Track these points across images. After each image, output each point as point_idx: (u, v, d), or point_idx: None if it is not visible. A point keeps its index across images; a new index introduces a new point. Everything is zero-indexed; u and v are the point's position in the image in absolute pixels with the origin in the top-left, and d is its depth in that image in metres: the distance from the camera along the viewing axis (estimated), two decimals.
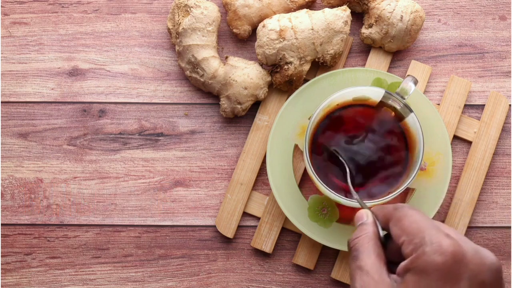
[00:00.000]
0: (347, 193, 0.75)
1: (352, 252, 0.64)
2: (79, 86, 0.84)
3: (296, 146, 0.81)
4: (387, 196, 0.72)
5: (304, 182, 0.82)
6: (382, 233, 0.65)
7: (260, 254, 0.82)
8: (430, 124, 0.79)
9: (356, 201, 0.71)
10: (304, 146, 0.74)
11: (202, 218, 0.83)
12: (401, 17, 0.79)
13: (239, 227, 0.82)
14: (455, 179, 0.82)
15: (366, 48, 0.84)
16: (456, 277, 0.59)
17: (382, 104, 0.76)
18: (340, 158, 0.75)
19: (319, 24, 0.79)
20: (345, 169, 0.75)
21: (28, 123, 0.83)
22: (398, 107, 0.75)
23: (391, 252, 0.64)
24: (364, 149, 0.76)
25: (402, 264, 0.61)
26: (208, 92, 0.83)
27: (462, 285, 0.59)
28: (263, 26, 0.79)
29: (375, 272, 0.62)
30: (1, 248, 0.82)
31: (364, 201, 0.72)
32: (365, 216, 0.66)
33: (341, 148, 0.76)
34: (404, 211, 0.63)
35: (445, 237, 0.60)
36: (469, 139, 0.82)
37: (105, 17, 0.84)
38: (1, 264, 0.82)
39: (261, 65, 0.81)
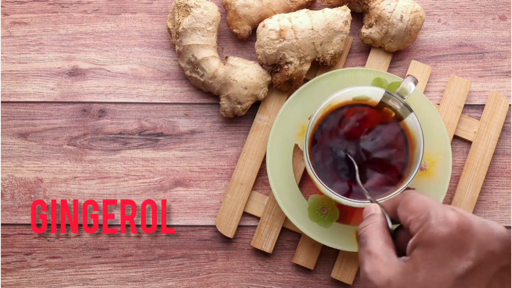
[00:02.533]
0: (349, 193, 0.75)
1: (360, 239, 0.64)
2: (79, 86, 0.84)
3: (296, 146, 0.81)
4: (387, 196, 0.72)
5: (304, 182, 0.82)
6: (391, 225, 0.65)
7: (260, 254, 0.82)
8: (430, 124, 0.79)
9: (360, 202, 0.71)
10: (304, 146, 0.74)
11: (202, 218, 0.83)
12: (401, 17, 0.79)
13: (239, 227, 0.82)
14: (455, 179, 0.82)
15: (366, 48, 0.84)
16: (463, 247, 0.58)
17: (382, 104, 0.76)
18: (348, 155, 0.75)
19: (319, 24, 0.79)
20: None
21: (28, 123, 0.83)
22: (398, 107, 0.75)
23: (401, 243, 0.64)
24: (364, 149, 0.76)
25: (410, 241, 0.61)
26: (208, 92, 0.83)
27: (470, 255, 0.58)
28: (263, 26, 0.79)
29: (384, 254, 0.62)
30: (1, 248, 0.82)
31: (363, 201, 0.72)
32: (373, 209, 0.66)
33: (340, 148, 0.76)
34: (410, 194, 0.63)
35: (451, 210, 0.59)
36: (469, 139, 0.82)
37: (105, 17, 0.84)
38: (1, 264, 0.82)
39: (261, 65, 0.81)
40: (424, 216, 0.60)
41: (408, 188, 0.80)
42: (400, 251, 0.64)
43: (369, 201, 0.72)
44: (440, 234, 0.58)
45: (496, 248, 0.58)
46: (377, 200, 0.71)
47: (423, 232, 0.59)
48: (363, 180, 0.76)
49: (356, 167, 0.74)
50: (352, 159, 0.75)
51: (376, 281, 0.61)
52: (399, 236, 0.64)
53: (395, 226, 0.65)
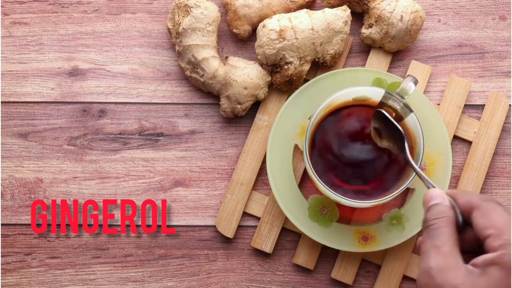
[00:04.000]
0: (349, 193, 0.75)
1: (430, 230, 0.63)
2: (79, 86, 0.84)
3: (296, 146, 0.81)
4: (387, 196, 0.72)
5: (304, 182, 0.82)
6: (461, 220, 0.64)
7: (260, 254, 0.82)
8: (430, 124, 0.79)
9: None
10: (304, 146, 0.74)
11: (202, 218, 0.83)
12: (401, 17, 0.79)
13: (239, 227, 0.82)
14: (455, 179, 0.82)
15: (366, 48, 0.84)
16: None
17: (382, 104, 0.76)
18: (397, 125, 0.73)
19: (319, 24, 0.79)
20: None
21: (28, 123, 0.83)
22: (398, 107, 0.75)
23: (466, 241, 0.63)
24: (364, 149, 0.76)
25: (487, 256, 0.60)
26: (208, 92, 0.83)
27: None
28: (263, 26, 0.79)
29: (453, 257, 0.61)
30: (1, 248, 0.82)
31: (364, 201, 0.72)
32: (440, 197, 0.65)
33: (340, 148, 0.76)
34: (493, 204, 0.62)
35: None
36: (469, 139, 0.82)
37: (105, 17, 0.84)
38: (1, 264, 0.82)
39: (261, 65, 0.81)
40: (508, 237, 0.59)
41: (408, 188, 0.80)
42: (461, 249, 0.63)
43: (369, 202, 0.72)
44: None
45: None
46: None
47: (506, 254, 0.59)
48: (363, 180, 0.76)
49: (406, 144, 0.72)
50: (398, 126, 0.72)
51: (440, 281, 0.60)
52: (467, 234, 0.63)
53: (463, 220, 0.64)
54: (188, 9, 0.79)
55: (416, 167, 0.70)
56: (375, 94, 0.75)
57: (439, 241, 0.62)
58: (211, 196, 0.83)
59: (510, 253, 0.59)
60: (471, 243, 0.62)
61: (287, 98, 0.82)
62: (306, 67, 0.80)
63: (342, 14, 0.79)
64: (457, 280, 0.59)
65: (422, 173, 0.69)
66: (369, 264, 0.82)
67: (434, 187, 0.67)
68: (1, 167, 0.83)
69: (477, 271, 0.60)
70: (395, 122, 0.73)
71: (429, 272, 0.61)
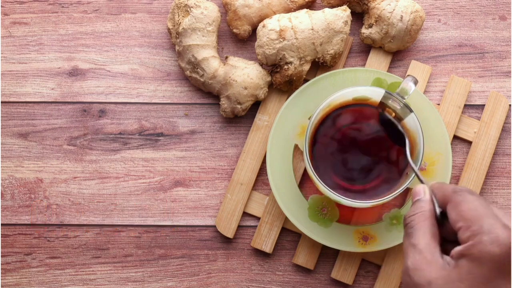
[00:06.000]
0: (349, 193, 0.75)
1: (407, 229, 0.64)
2: (79, 86, 0.84)
3: (296, 146, 0.81)
4: (387, 196, 0.72)
5: (304, 182, 0.82)
6: (438, 210, 0.65)
7: (260, 254, 0.82)
8: (430, 124, 0.79)
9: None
10: (304, 146, 0.74)
11: (202, 218, 0.83)
12: (401, 17, 0.79)
13: (239, 227, 0.82)
14: (455, 179, 0.82)
15: (366, 48, 0.84)
16: (510, 271, 0.59)
17: (382, 104, 0.76)
18: (399, 127, 0.74)
19: (319, 24, 0.79)
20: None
21: (28, 123, 0.83)
22: (398, 107, 0.75)
23: (446, 231, 0.64)
24: (364, 149, 0.76)
25: (458, 249, 0.61)
26: (208, 92, 0.83)
27: None
28: (263, 26, 0.79)
29: (428, 251, 0.62)
30: (1, 248, 0.82)
31: (364, 201, 0.72)
32: (422, 192, 0.66)
33: (340, 148, 0.76)
34: (463, 195, 0.63)
35: (504, 229, 0.60)
36: (469, 139, 0.82)
37: (105, 17, 0.84)
38: (1, 264, 0.82)
39: (261, 65, 0.81)
40: (476, 228, 0.60)
41: (408, 188, 0.80)
42: (445, 241, 0.64)
43: (369, 202, 0.72)
44: (491, 253, 0.59)
45: None
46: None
47: (474, 245, 0.60)
48: (363, 180, 0.76)
49: (407, 142, 0.73)
50: (402, 131, 0.73)
51: (416, 279, 0.61)
52: (445, 224, 0.64)
53: (441, 209, 0.65)
54: (188, 9, 0.79)
55: (413, 164, 0.71)
56: (375, 94, 0.75)
57: (414, 239, 0.63)
58: (211, 196, 0.83)
59: (477, 244, 0.59)
60: (452, 232, 0.63)
61: (287, 98, 0.82)
62: (306, 67, 0.80)
63: (342, 14, 0.79)
64: (431, 275, 0.61)
65: (418, 172, 0.70)
66: (369, 264, 0.82)
67: (425, 183, 0.68)
68: (1, 167, 0.83)
69: (453, 263, 0.61)
70: (397, 124, 0.74)
71: (407, 272, 0.62)
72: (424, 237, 0.63)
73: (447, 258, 0.62)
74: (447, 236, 0.64)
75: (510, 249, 0.59)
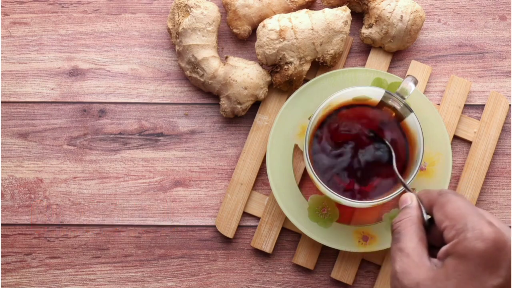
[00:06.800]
0: (349, 193, 0.75)
1: (394, 234, 0.65)
2: (79, 86, 0.84)
3: (296, 146, 0.81)
4: (387, 196, 0.72)
5: (304, 182, 0.82)
6: (426, 217, 0.65)
7: (260, 254, 0.82)
8: (430, 124, 0.79)
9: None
10: (304, 146, 0.74)
11: (202, 218, 0.83)
12: (401, 17, 0.79)
13: (239, 227, 0.82)
14: (455, 179, 0.82)
15: (366, 48, 0.84)
16: (495, 265, 0.59)
17: (382, 104, 0.76)
18: (386, 142, 0.75)
19: (319, 24, 0.79)
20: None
21: (28, 123, 0.83)
22: (398, 107, 0.75)
23: (434, 237, 0.65)
24: (364, 149, 0.76)
25: (443, 248, 0.61)
26: (208, 92, 0.83)
27: (501, 273, 0.59)
28: (263, 26, 0.79)
29: (416, 254, 0.62)
30: (1, 248, 0.82)
31: (364, 201, 0.72)
32: (409, 200, 0.67)
33: (340, 149, 0.76)
34: (448, 196, 0.64)
35: (487, 224, 0.60)
36: (469, 139, 0.82)
37: (105, 17, 0.84)
38: (1, 264, 0.82)
39: (261, 65, 0.81)
40: (460, 226, 0.61)
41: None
42: (433, 247, 0.64)
43: (368, 202, 0.72)
44: (476, 249, 0.59)
45: None
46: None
47: (458, 243, 0.60)
48: (363, 180, 0.76)
49: (394, 155, 0.74)
50: (390, 145, 0.74)
51: (405, 282, 0.62)
52: (433, 230, 0.65)
53: (429, 216, 0.66)
54: (188, 9, 0.79)
55: (400, 176, 0.72)
56: (375, 94, 0.75)
57: (401, 243, 0.64)
58: (211, 196, 0.83)
59: (461, 241, 0.60)
60: (440, 238, 0.64)
61: (287, 98, 0.82)
62: (306, 67, 0.80)
63: (342, 14, 0.79)
64: (419, 276, 0.61)
65: (403, 180, 0.71)
66: (369, 264, 0.82)
67: (411, 191, 0.68)
68: (1, 167, 0.83)
69: (440, 263, 0.61)
70: (385, 140, 0.74)
71: (396, 276, 0.63)
72: (411, 241, 0.63)
73: (435, 260, 0.62)
74: (435, 242, 0.65)
75: (494, 243, 0.59)
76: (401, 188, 0.72)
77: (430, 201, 0.65)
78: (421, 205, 0.66)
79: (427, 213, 0.66)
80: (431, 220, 0.65)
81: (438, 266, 0.61)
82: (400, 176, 0.72)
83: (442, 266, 0.61)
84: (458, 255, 0.60)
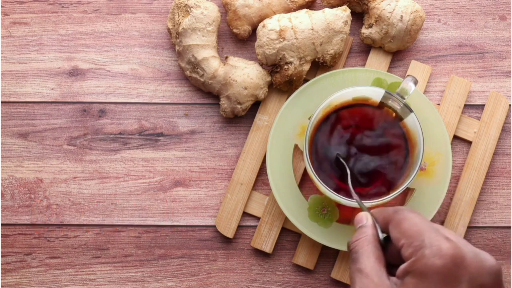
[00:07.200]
0: (347, 193, 0.75)
1: (352, 254, 0.64)
2: (79, 86, 0.84)
3: (296, 146, 0.81)
4: (387, 196, 0.72)
5: (304, 182, 0.82)
6: (381, 235, 0.65)
7: (260, 254, 0.82)
8: (430, 124, 0.79)
9: (355, 201, 0.71)
10: (304, 146, 0.74)
11: (202, 218, 0.83)
12: (401, 17, 0.79)
13: (239, 227, 0.82)
14: (455, 179, 0.82)
15: (366, 48, 0.84)
16: (455, 280, 0.59)
17: (382, 104, 0.76)
18: (341, 160, 0.75)
19: (319, 24, 0.79)
20: (345, 169, 0.75)
21: (28, 123, 0.83)
22: (398, 107, 0.75)
23: (391, 255, 0.64)
24: (364, 150, 0.76)
25: (402, 267, 0.61)
26: (208, 92, 0.83)
27: None
28: (263, 26, 0.79)
29: (375, 274, 0.62)
30: (1, 248, 0.82)
31: (364, 201, 0.72)
32: (364, 219, 0.66)
33: (341, 149, 0.76)
34: (403, 214, 0.63)
35: (445, 240, 0.60)
36: (469, 139, 0.82)
37: (105, 17, 0.84)
38: (1, 264, 0.82)
39: (261, 65, 0.81)
40: (417, 243, 0.60)
41: (408, 189, 0.80)
42: (390, 265, 0.64)
43: (368, 202, 0.72)
44: (434, 266, 0.59)
45: (486, 281, 0.59)
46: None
47: (417, 261, 0.60)
48: (363, 181, 0.76)
49: (348, 172, 0.74)
50: (344, 162, 0.75)
51: None
52: (389, 247, 0.64)
53: (385, 235, 0.65)
54: (188, 9, 0.79)
55: (353, 191, 0.71)
56: (375, 94, 0.75)
57: (359, 264, 0.63)
58: (211, 196, 0.83)
59: (420, 258, 0.59)
60: (397, 255, 0.63)
61: (287, 98, 0.82)
62: (306, 67, 0.80)
63: (342, 14, 0.79)
64: None
65: (357, 197, 0.71)
66: None
67: (365, 209, 0.68)
68: (1, 167, 0.83)
69: (398, 282, 0.61)
70: (343, 161, 0.75)
71: None
72: (369, 260, 0.63)
73: (394, 279, 0.62)
74: (392, 260, 0.64)
75: (452, 259, 0.59)
76: (401, 188, 0.72)
77: (385, 219, 0.64)
78: (376, 224, 0.65)
79: (383, 232, 0.65)
80: (388, 238, 0.65)
81: (398, 285, 0.61)
82: (354, 192, 0.71)
83: (402, 285, 0.60)
84: (417, 273, 0.59)
